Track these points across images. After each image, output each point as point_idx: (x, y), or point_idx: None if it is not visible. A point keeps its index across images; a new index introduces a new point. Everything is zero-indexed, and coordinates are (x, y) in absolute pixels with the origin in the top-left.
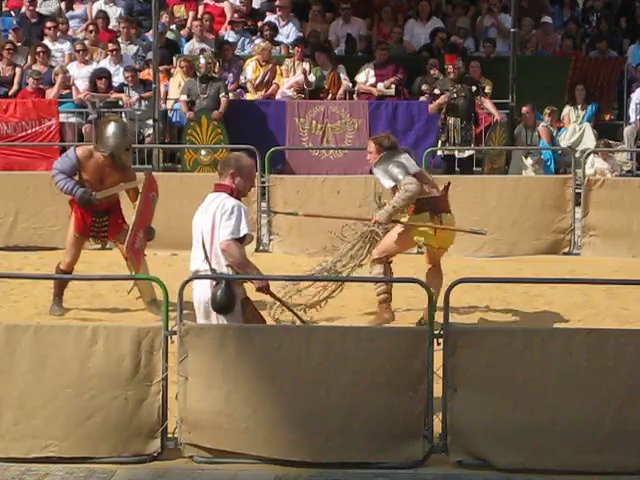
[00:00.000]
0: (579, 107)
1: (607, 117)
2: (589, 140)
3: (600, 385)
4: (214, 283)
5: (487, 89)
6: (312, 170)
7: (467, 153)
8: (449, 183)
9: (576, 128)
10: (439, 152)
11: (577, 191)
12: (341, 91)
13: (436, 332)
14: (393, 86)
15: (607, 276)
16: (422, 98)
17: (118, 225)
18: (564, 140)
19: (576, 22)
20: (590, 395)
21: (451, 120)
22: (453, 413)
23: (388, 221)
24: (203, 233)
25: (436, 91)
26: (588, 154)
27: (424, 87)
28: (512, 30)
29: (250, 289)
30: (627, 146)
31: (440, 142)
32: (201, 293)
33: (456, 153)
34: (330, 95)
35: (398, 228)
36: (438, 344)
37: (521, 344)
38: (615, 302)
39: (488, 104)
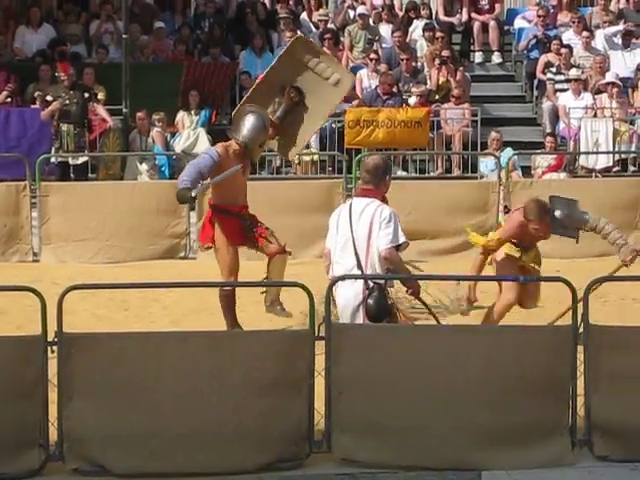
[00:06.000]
0: (193, 112)
1: (214, 120)
2: (203, 144)
3: (218, 387)
4: (367, 291)
5: (100, 95)
6: None
7: (81, 159)
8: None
9: (190, 133)
10: (53, 159)
11: None
12: None
13: (50, 340)
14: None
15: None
16: (35, 105)
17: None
18: (178, 145)
19: (189, 28)
20: (208, 397)
21: (64, 127)
22: (69, 421)
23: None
24: (356, 240)
25: (48, 98)
26: None
27: (37, 94)
28: (124, 36)
29: None
30: None
31: (54, 149)
32: (349, 297)
33: (70, 159)
34: None
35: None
36: (52, 352)
37: (136, 349)
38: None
39: (101, 110)
